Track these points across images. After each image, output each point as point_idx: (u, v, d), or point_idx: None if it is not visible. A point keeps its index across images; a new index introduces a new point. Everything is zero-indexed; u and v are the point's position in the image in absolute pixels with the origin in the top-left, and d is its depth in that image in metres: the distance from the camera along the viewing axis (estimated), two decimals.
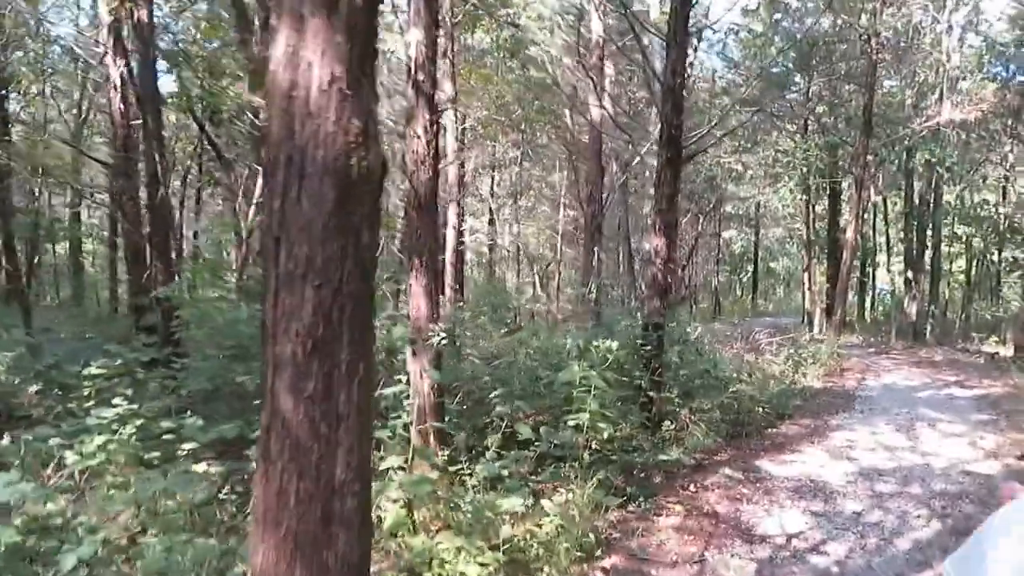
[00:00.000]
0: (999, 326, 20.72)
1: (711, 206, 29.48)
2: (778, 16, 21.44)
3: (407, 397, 5.91)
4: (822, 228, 27.43)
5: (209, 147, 16.01)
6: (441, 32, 6.06)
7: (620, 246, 19.45)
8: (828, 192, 25.09)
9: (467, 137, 23.88)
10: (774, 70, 18.80)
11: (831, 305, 21.28)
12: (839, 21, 18.25)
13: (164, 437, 4.62)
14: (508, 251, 27.39)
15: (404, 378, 5.95)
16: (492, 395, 6.29)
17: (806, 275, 26.34)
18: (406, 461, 4.50)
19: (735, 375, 9.50)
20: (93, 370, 5.60)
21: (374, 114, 2.02)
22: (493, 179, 25.94)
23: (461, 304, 14.69)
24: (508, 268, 30.94)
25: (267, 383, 2.03)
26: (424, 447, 4.58)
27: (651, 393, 7.35)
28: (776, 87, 17.31)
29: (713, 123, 8.51)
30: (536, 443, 5.85)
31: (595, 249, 10.50)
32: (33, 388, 5.52)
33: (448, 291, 14.26)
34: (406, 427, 4.82)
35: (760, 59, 16.93)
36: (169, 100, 13.55)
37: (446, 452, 5.70)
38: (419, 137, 5.56)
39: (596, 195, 10.52)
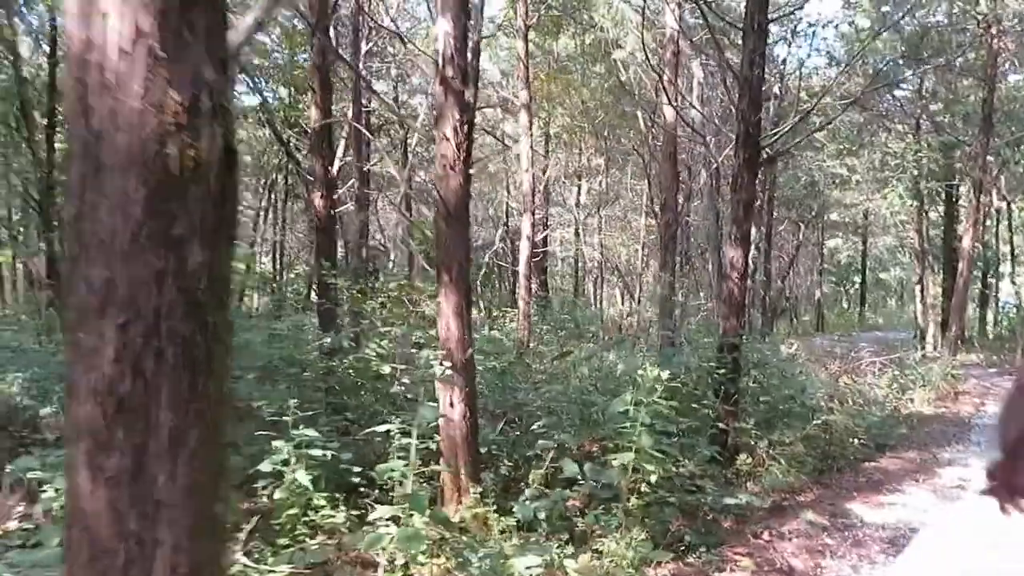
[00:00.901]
0: None
1: (813, 213, 27.81)
2: (886, 9, 19.89)
3: (434, 430, 5.37)
4: (937, 236, 25.33)
5: (289, 159, 16.06)
6: (472, 22, 5.50)
7: (710, 257, 18.39)
8: (943, 197, 23.08)
9: (551, 145, 23.40)
10: (881, 67, 17.33)
11: (946, 320, 19.46)
12: (955, 8, 16.64)
13: None
14: (592, 262, 26.58)
15: (435, 406, 5.41)
16: (536, 425, 5.66)
17: (919, 287, 24.30)
18: (410, 509, 3.91)
19: (824, 403, 8.48)
20: None
21: (212, 84, 1.46)
22: (579, 188, 25.23)
23: (535, 318, 14.12)
24: (602, 280, 30.12)
25: (69, 456, 1.49)
26: (417, 495, 3.99)
27: (720, 424, 6.52)
28: (883, 83, 15.87)
29: (797, 119, 7.61)
30: (581, 482, 5.19)
31: (651, 262, 9.64)
32: (47, 410, 5.29)
33: (521, 304, 13.71)
34: (403, 469, 4.24)
35: (864, 54, 15.60)
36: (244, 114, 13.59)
37: (478, 491, 5.11)
38: (448, 140, 5.02)
39: (671, 202, 9.69)
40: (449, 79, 5.00)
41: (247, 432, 5.09)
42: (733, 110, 7.82)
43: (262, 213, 23.81)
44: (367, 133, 10.05)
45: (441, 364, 4.73)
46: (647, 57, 7.98)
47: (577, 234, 23.90)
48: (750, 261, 17.11)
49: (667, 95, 8.41)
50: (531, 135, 13.59)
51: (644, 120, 15.13)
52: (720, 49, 7.21)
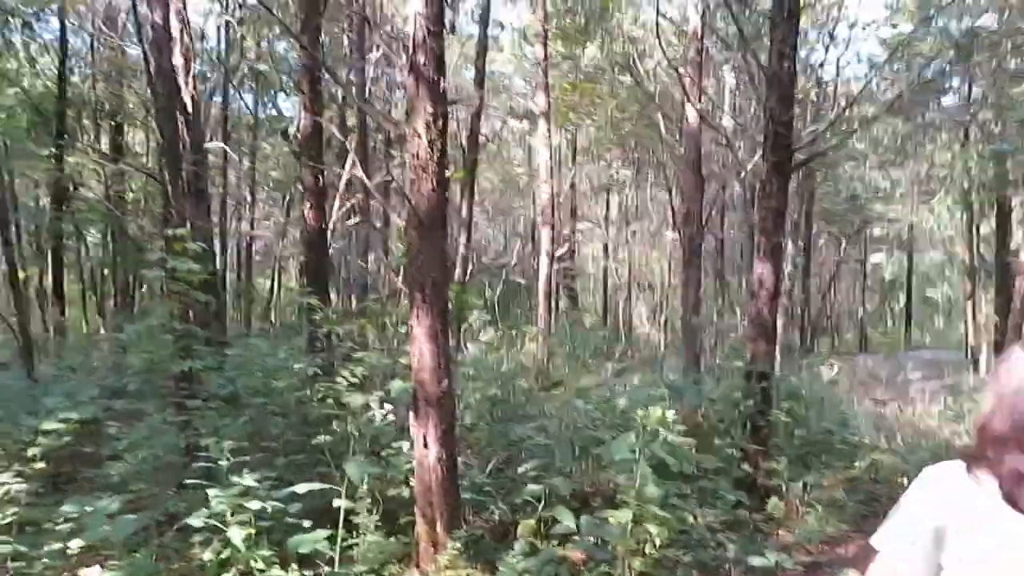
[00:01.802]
0: None
1: (854, 228, 26.61)
2: (931, 13, 18.83)
3: (409, 472, 4.65)
4: (988, 251, 23.97)
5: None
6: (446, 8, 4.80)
7: (743, 274, 17.45)
8: (995, 209, 21.77)
9: (578, 158, 22.69)
10: (923, 70, 16.28)
11: (1001, 340, 18.17)
12: (1007, 8, 15.54)
13: (58, 528, 3.59)
14: (621, 279, 25.69)
15: (406, 445, 4.69)
16: (523, 469, 4.90)
17: (969, 304, 22.94)
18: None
19: (870, 438, 7.55)
20: (49, 424, 4.71)
21: None
22: (607, 202, 24.44)
23: (555, 337, 13.35)
24: (630, 297, 29.17)
25: None
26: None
27: (745, 466, 5.68)
28: (926, 82, 14.81)
29: (835, 116, 6.79)
30: (575, 536, 4.40)
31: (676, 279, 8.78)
32: None
33: (540, 323, 12.94)
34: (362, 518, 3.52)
35: (906, 57, 14.59)
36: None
37: (456, 546, 4.36)
38: (420, 136, 4.31)
39: (695, 213, 8.84)
40: (420, 66, 4.30)
41: (188, 476, 4.42)
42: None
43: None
44: (341, 138, 9.40)
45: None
46: (664, 53, 7.21)
47: (606, 249, 23.08)
48: (786, 278, 16.10)
49: (688, 96, 7.59)
50: (550, 144, 12.87)
51: (666, 126, 14.27)
52: (746, 41, 6.43)
